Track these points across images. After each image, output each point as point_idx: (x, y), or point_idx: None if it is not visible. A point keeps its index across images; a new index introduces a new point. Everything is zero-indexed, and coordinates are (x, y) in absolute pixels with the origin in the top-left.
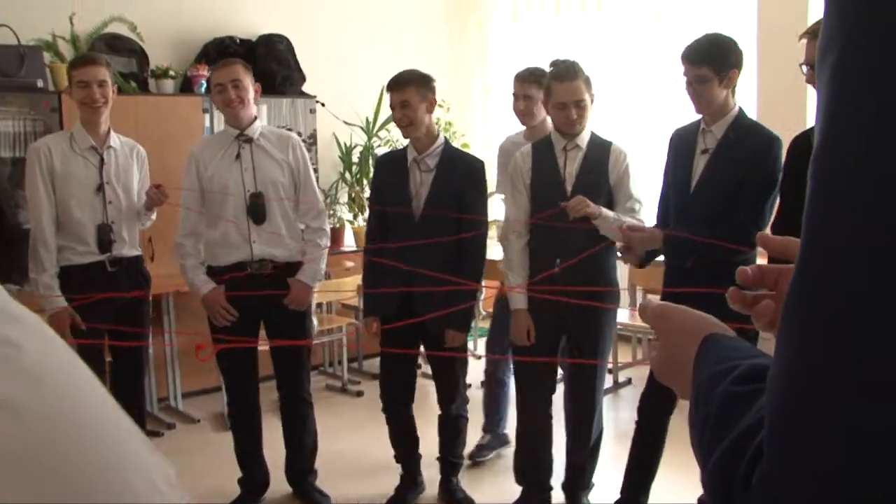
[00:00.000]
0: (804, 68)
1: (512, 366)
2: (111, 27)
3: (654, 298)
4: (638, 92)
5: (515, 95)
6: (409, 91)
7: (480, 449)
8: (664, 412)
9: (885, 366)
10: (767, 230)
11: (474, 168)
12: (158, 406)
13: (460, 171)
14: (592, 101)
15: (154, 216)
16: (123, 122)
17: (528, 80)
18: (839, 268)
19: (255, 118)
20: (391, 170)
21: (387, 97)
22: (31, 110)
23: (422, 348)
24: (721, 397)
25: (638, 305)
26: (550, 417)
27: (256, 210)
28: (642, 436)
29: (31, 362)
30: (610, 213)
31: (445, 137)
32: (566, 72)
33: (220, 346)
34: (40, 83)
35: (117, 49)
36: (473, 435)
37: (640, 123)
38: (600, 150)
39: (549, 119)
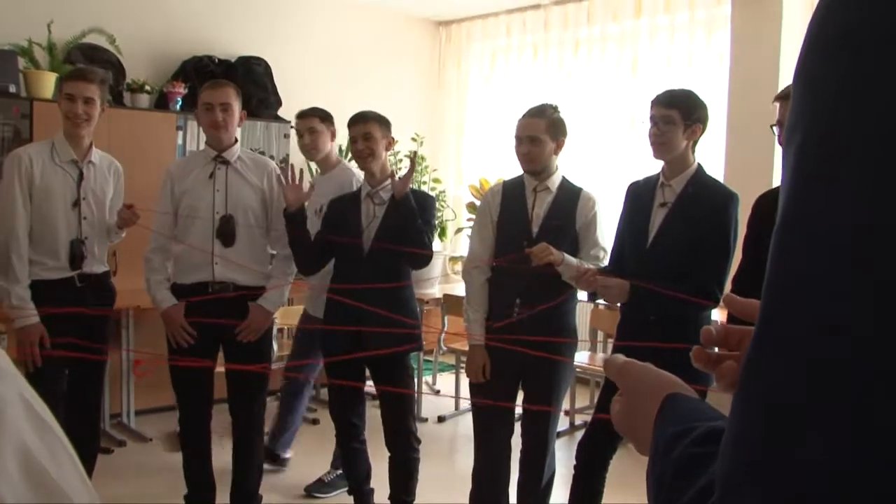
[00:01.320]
0: (775, 129)
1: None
2: (89, 38)
3: (620, 356)
4: (608, 140)
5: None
6: (372, 125)
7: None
8: (604, 458)
9: (816, 441)
10: (728, 287)
11: (425, 200)
12: (111, 423)
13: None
14: (558, 146)
15: (124, 233)
16: (96, 134)
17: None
18: (790, 338)
19: (236, 141)
20: (343, 205)
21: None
22: (1, 115)
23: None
24: (678, 457)
25: (602, 360)
26: (509, 458)
27: (225, 233)
28: (581, 480)
29: None
30: (573, 260)
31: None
32: (532, 108)
33: (172, 363)
34: (12, 88)
35: (94, 60)
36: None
37: (607, 171)
38: (570, 195)
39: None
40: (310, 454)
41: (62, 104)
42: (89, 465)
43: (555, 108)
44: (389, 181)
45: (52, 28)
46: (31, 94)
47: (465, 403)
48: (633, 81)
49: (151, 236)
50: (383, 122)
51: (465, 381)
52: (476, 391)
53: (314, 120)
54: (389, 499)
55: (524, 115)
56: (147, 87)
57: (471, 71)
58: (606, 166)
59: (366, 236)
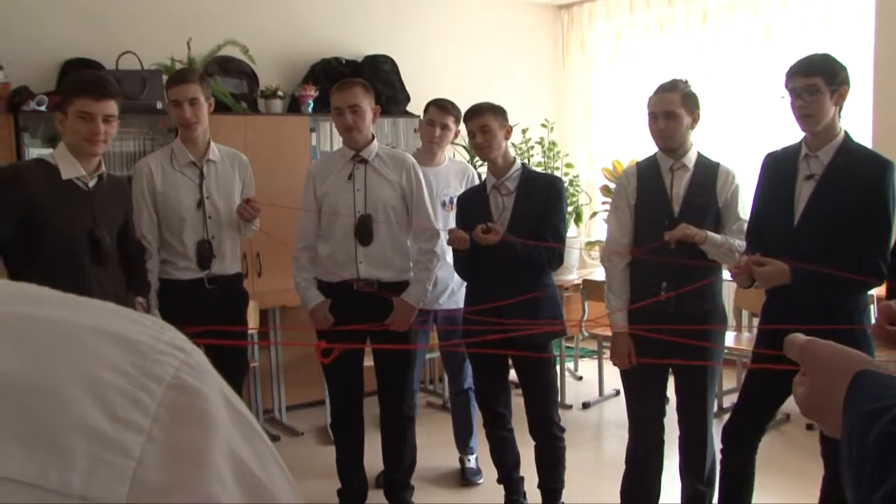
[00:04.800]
0: None
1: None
2: (224, 50)
3: (800, 335)
4: (742, 110)
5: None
6: (487, 117)
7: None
8: (751, 439)
9: None
10: None
11: (553, 186)
12: (264, 418)
13: (539, 191)
14: (694, 121)
15: (256, 225)
16: (234, 142)
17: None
18: None
19: (373, 138)
20: (471, 201)
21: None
22: (150, 131)
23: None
24: (879, 437)
25: (784, 340)
26: (662, 443)
27: (364, 231)
28: (730, 463)
29: None
30: (717, 237)
31: (522, 162)
32: (663, 84)
33: (335, 346)
34: (159, 105)
35: (229, 71)
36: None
37: (742, 143)
38: (707, 171)
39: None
40: (444, 443)
41: (171, 111)
42: None
43: (686, 83)
44: (515, 170)
45: (191, 45)
46: None
47: (609, 389)
48: (767, 48)
49: (297, 236)
50: (498, 112)
51: (607, 367)
52: (625, 376)
53: (449, 117)
54: (539, 486)
55: (656, 91)
56: (279, 93)
57: (595, 52)
58: (742, 138)
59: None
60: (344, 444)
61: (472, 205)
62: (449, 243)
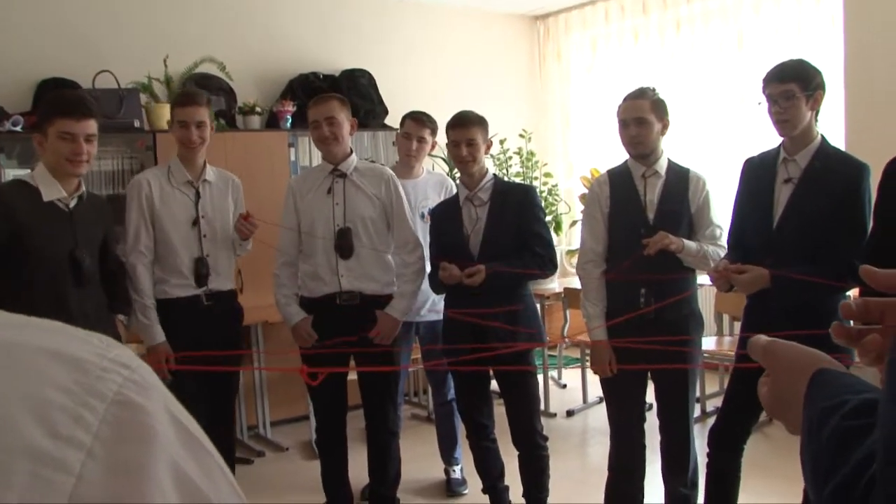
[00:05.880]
0: None
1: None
2: (201, 67)
3: (763, 336)
4: (717, 117)
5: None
6: (475, 130)
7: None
8: (737, 442)
9: None
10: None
11: (527, 194)
12: (248, 434)
13: (513, 200)
14: (664, 127)
15: (250, 245)
16: (214, 158)
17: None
18: None
19: (351, 152)
20: (445, 214)
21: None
22: (128, 149)
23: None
24: (832, 432)
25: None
26: (643, 448)
27: (343, 244)
28: (716, 467)
29: None
30: (692, 245)
31: (494, 173)
32: (632, 91)
33: (319, 370)
34: (137, 123)
35: (208, 88)
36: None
37: (717, 149)
38: (679, 177)
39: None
40: (429, 455)
41: (177, 131)
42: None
43: (654, 90)
44: (487, 181)
45: (167, 62)
46: (153, 126)
47: (593, 397)
48: (740, 55)
49: (277, 252)
50: (484, 126)
51: (591, 375)
52: (605, 383)
53: (426, 130)
54: (523, 496)
55: (626, 99)
56: (258, 109)
57: (572, 62)
58: (718, 145)
59: (473, 241)
60: (329, 459)
61: (446, 218)
62: (441, 280)
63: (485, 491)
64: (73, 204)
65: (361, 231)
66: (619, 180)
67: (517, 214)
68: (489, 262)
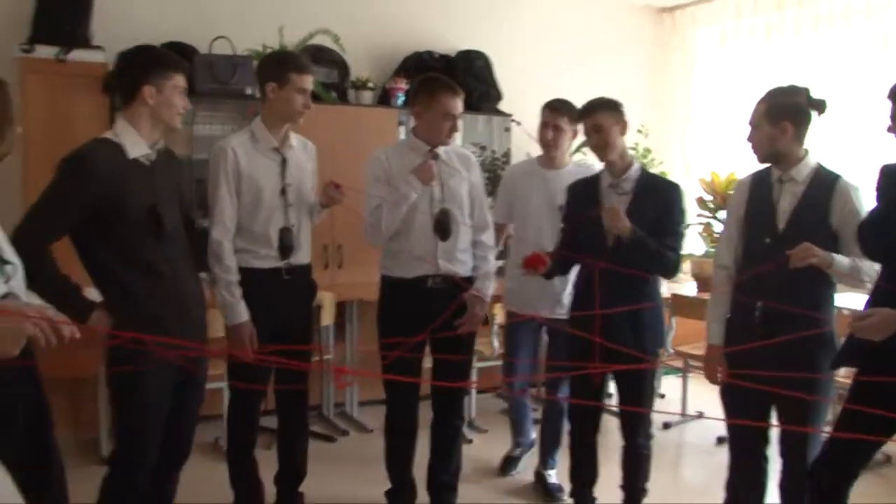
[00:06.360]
0: None
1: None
2: (315, 39)
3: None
4: (857, 121)
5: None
6: (599, 115)
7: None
8: (842, 482)
9: None
10: None
11: (674, 191)
12: (335, 411)
13: (657, 196)
14: (784, 131)
15: (325, 214)
16: (322, 132)
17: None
18: None
19: None
20: (584, 194)
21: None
22: (238, 115)
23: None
24: None
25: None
26: (764, 475)
27: (443, 226)
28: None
29: None
30: (843, 261)
31: (642, 164)
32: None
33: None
34: (248, 90)
35: (320, 60)
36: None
37: (858, 153)
38: (823, 185)
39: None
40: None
41: (294, 98)
42: (299, 456)
43: (791, 91)
44: (633, 171)
45: (282, 32)
46: None
47: (691, 410)
48: (883, 55)
49: (366, 220)
50: (611, 108)
51: (692, 387)
52: (722, 395)
53: (562, 118)
54: (622, 487)
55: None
56: (370, 84)
57: (697, 57)
58: (859, 149)
59: (610, 232)
60: (397, 443)
61: (584, 200)
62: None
63: (572, 495)
64: (153, 158)
65: (457, 212)
66: (758, 184)
67: (659, 210)
68: (626, 246)
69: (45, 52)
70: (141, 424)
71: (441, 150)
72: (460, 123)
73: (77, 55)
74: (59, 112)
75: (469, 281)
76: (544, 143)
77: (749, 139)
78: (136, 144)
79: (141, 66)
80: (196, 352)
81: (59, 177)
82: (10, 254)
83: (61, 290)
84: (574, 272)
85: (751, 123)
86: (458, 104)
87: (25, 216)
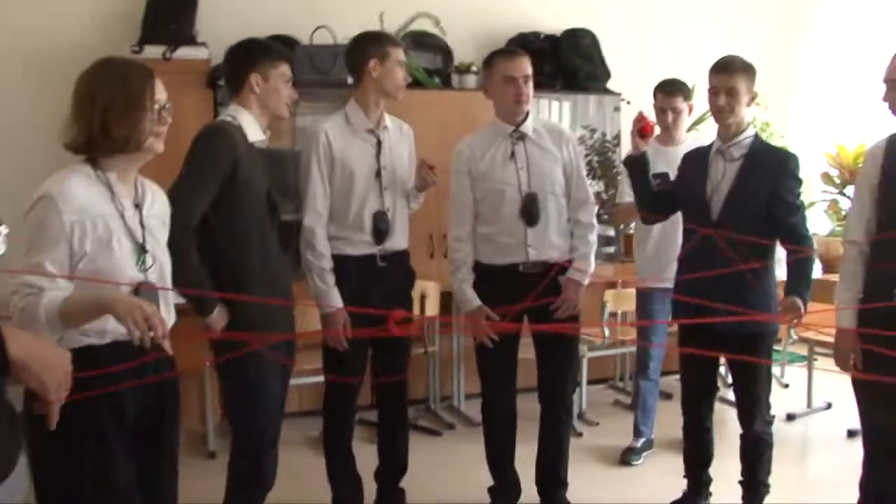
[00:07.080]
0: None
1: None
2: (416, 23)
3: None
4: None
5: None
6: (738, 78)
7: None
8: None
9: None
10: None
11: (788, 161)
12: (441, 405)
13: (769, 165)
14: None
15: (422, 198)
16: (427, 117)
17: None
18: None
19: (528, 112)
20: (693, 163)
21: (699, 91)
22: (340, 104)
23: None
24: None
25: None
26: None
27: (531, 211)
28: None
29: None
30: None
31: (756, 131)
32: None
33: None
34: (350, 80)
35: (423, 45)
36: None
37: None
38: None
39: None
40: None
41: (397, 71)
42: (399, 450)
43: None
44: (746, 136)
45: (383, 18)
46: None
47: (819, 401)
48: None
49: (452, 222)
50: (749, 74)
51: (818, 376)
52: (857, 390)
53: (676, 99)
54: (741, 483)
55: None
56: (474, 68)
57: (827, 20)
58: None
59: (715, 199)
60: (494, 436)
61: (693, 166)
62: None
63: (687, 477)
64: (264, 147)
65: (549, 195)
66: (893, 147)
67: (771, 181)
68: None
69: (153, 51)
70: (256, 409)
71: (530, 128)
72: (566, 105)
73: (182, 52)
74: None
75: (564, 264)
76: (664, 126)
77: (884, 98)
78: (255, 130)
79: (247, 56)
80: (291, 336)
81: (200, 146)
82: (151, 243)
83: (197, 280)
84: (678, 243)
85: (885, 81)
86: (518, 65)
87: (171, 190)
